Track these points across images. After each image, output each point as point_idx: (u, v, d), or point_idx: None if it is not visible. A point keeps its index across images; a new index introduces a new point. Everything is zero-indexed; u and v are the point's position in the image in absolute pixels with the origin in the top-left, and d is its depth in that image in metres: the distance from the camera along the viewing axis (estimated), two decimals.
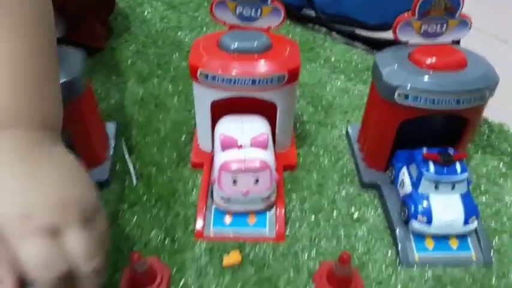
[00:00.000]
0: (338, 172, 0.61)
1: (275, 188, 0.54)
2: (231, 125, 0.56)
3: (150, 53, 0.83)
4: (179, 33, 0.88)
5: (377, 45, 0.84)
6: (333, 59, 0.82)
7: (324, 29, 0.89)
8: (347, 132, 0.67)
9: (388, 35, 0.52)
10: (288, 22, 0.91)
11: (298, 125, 0.69)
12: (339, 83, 0.76)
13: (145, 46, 0.85)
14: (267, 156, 0.53)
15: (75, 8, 0.76)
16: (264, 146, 0.53)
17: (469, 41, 0.57)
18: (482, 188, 0.60)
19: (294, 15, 0.92)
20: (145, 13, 0.94)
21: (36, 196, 0.35)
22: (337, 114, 0.71)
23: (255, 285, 0.49)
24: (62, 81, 0.50)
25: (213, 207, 0.56)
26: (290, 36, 0.88)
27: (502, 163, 0.62)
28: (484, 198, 0.59)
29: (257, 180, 0.52)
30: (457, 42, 0.78)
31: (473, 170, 0.62)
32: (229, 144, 0.53)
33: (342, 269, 0.46)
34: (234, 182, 0.52)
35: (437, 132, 0.58)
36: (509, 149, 0.65)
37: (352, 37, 0.86)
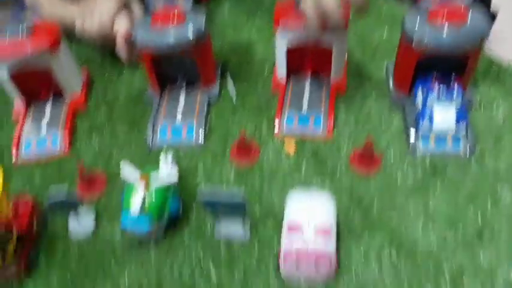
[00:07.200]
0: (375, 95, 0.87)
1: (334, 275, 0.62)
2: (298, 206, 0.64)
3: (244, 5, 1.11)
4: None
5: None
6: (383, 14, 1.04)
7: None
8: (387, 68, 0.91)
9: None
10: None
11: (350, 62, 0.94)
12: (385, 33, 0.99)
13: None
14: (328, 245, 0.59)
15: None
16: (326, 235, 0.59)
17: None
18: (482, 108, 0.82)
19: None
20: None
21: None
22: (381, 56, 0.94)
23: (311, 162, 0.77)
24: (194, 32, 0.80)
25: (286, 113, 0.84)
26: None
27: (501, 90, 0.84)
28: (483, 114, 0.81)
29: (317, 265, 0.59)
30: None
31: (480, 95, 0.84)
32: (295, 229, 0.60)
33: (366, 149, 0.73)
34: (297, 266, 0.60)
35: (450, 67, 0.80)
36: (509, 82, 0.85)
37: None
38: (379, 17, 1.04)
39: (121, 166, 0.66)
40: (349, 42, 0.97)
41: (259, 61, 0.97)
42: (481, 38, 0.74)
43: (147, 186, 0.64)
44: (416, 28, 0.75)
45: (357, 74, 0.91)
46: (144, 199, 0.63)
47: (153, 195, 0.64)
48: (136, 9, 0.93)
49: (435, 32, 0.74)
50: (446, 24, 0.74)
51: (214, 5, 1.14)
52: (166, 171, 0.69)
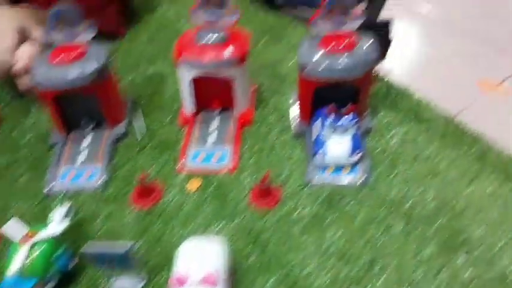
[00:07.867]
0: (280, 126, 0.88)
1: None
2: (186, 259, 0.62)
3: (159, 39, 1.11)
4: (179, 24, 1.15)
5: None
6: (292, 41, 1.06)
7: (290, 15, 1.13)
8: (292, 98, 0.92)
9: None
10: (263, 13, 1.15)
11: (258, 93, 0.95)
12: (293, 61, 1.01)
13: (158, 31, 1.13)
14: None
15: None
16: (213, 285, 0.59)
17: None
18: (380, 133, 0.84)
19: (268, 4, 1.16)
20: (156, 5, 1.21)
21: None
22: (288, 85, 0.96)
23: (213, 199, 0.77)
24: (94, 68, 0.79)
25: (192, 150, 0.84)
26: (262, 23, 1.12)
27: (398, 115, 0.86)
28: (381, 139, 0.83)
29: None
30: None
31: (378, 120, 0.86)
32: (180, 282, 0.59)
33: (263, 184, 0.74)
34: None
35: (347, 96, 0.82)
36: (406, 106, 0.88)
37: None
38: (288, 44, 1.06)
39: (5, 226, 0.64)
40: (258, 72, 0.98)
41: (170, 95, 0.97)
42: (370, 65, 0.77)
43: (31, 244, 0.62)
44: (307, 57, 0.77)
45: (264, 105, 0.92)
46: (25, 258, 0.61)
47: (35, 253, 0.62)
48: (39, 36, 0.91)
49: (325, 61, 0.76)
50: (336, 52, 0.76)
51: (132, 37, 1.13)
52: (56, 225, 0.67)
